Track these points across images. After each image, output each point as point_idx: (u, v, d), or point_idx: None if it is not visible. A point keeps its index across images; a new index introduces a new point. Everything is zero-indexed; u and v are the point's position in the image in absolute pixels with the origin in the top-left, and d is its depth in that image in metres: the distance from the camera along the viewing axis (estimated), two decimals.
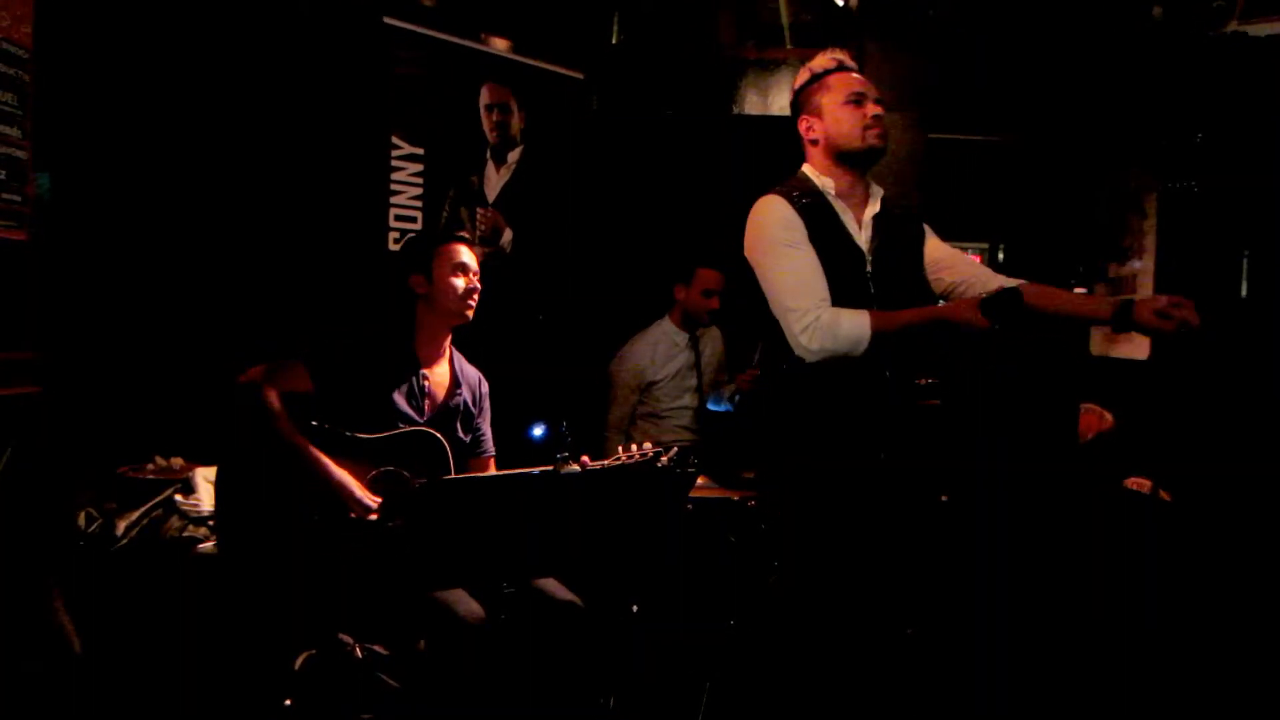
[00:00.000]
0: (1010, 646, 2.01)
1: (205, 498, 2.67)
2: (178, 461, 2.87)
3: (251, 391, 2.30)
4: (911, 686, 2.00)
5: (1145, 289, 3.20)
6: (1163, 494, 2.53)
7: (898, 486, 2.19)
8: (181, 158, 3.05)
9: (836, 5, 4.06)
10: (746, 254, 2.26)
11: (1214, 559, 2.38)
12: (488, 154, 3.77)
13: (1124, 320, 2.03)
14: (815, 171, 2.34)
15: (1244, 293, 2.86)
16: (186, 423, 2.88)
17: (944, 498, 2.26)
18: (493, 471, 2.61)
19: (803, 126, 2.36)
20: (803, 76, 2.37)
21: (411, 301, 2.49)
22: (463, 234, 2.60)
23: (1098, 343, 3.47)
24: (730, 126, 4.31)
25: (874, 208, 2.32)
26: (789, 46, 4.36)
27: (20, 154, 2.59)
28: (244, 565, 2.34)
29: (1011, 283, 2.18)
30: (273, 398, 2.30)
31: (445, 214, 3.64)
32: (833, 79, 2.32)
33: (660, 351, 3.63)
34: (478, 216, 3.76)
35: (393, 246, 3.45)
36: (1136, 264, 3.24)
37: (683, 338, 3.67)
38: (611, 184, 4.13)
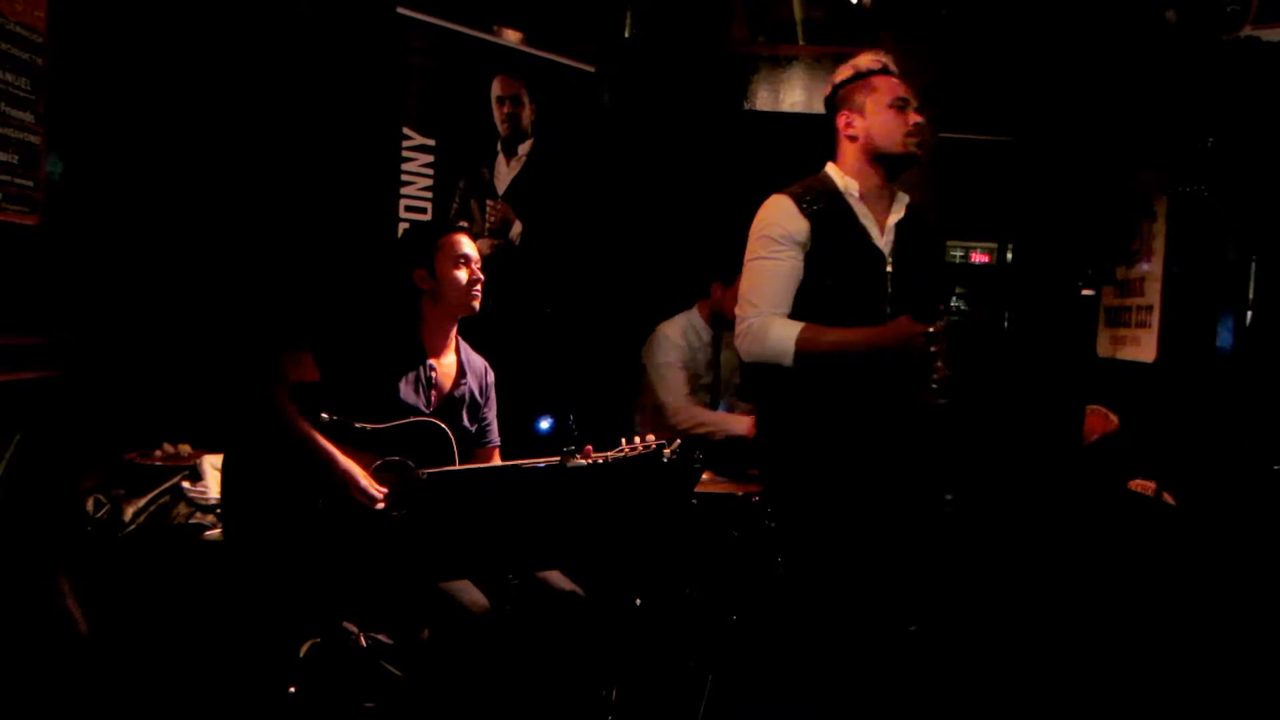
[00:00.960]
0: (1011, 645, 2.02)
1: (212, 485, 2.67)
2: (185, 448, 2.88)
3: (259, 381, 2.30)
4: (912, 682, 2.01)
5: (1153, 292, 3.20)
6: (1166, 496, 2.53)
7: (900, 486, 2.20)
8: (193, 145, 3.05)
9: (850, 2, 4.05)
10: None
11: (1217, 561, 2.38)
12: (498, 146, 3.77)
13: None
14: (841, 172, 2.34)
15: (1251, 297, 2.85)
16: (195, 409, 2.88)
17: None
18: (498, 462, 2.61)
19: (841, 122, 2.36)
20: (845, 72, 2.37)
21: (416, 295, 2.49)
22: (462, 224, 2.59)
23: (1104, 344, 3.47)
24: (741, 122, 4.31)
25: (898, 213, 2.34)
26: (801, 43, 4.35)
27: (33, 138, 2.59)
28: (249, 553, 2.34)
29: None
30: (280, 388, 2.31)
31: (455, 205, 3.64)
32: (878, 80, 2.33)
33: (689, 340, 3.63)
34: (487, 208, 3.76)
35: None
36: (1145, 267, 3.24)
37: (707, 334, 3.66)
38: (621, 178, 4.12)
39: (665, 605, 2.78)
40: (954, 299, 4.55)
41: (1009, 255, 4.36)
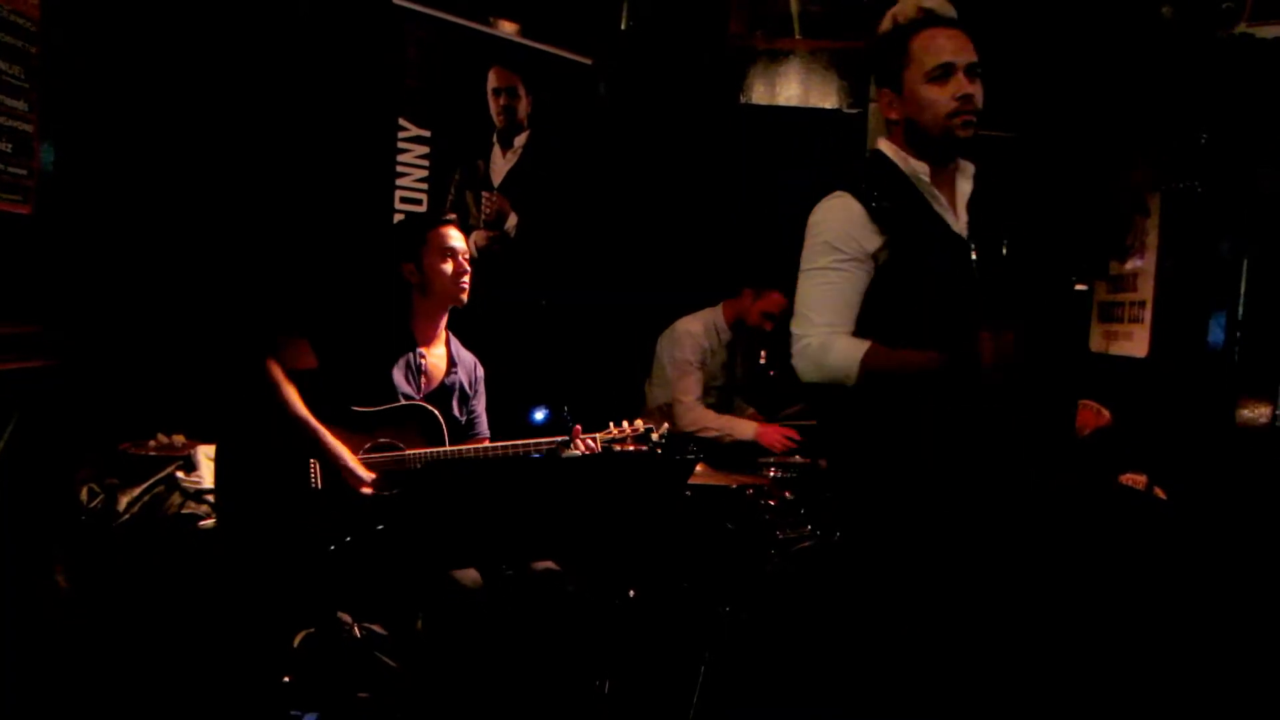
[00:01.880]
0: (1003, 642, 2.02)
1: (207, 475, 2.68)
2: (179, 439, 2.88)
3: (255, 363, 2.34)
4: (911, 682, 2.00)
5: (1146, 287, 3.21)
6: (1158, 490, 2.55)
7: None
8: (188, 135, 3.04)
9: None
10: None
11: (1209, 556, 2.40)
12: (494, 138, 3.77)
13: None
14: (900, 153, 1.97)
15: (1243, 293, 2.87)
16: (189, 400, 2.88)
17: None
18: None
19: (882, 102, 1.98)
20: (884, 24, 1.97)
21: (406, 287, 2.55)
22: (449, 217, 2.63)
23: (1096, 339, 3.48)
24: (737, 115, 4.30)
25: (966, 186, 2.01)
26: (798, 36, 4.35)
27: (26, 127, 2.58)
28: (243, 542, 2.36)
29: None
30: (276, 369, 2.34)
31: (450, 197, 3.64)
32: (917, 43, 1.89)
33: (709, 338, 3.61)
34: (483, 200, 3.76)
35: None
36: (1138, 262, 3.24)
37: (727, 335, 3.66)
38: (617, 171, 4.12)
39: (659, 597, 2.79)
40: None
41: (1004, 250, 4.36)
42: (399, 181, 3.47)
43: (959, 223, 1.98)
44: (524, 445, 2.48)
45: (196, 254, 3.05)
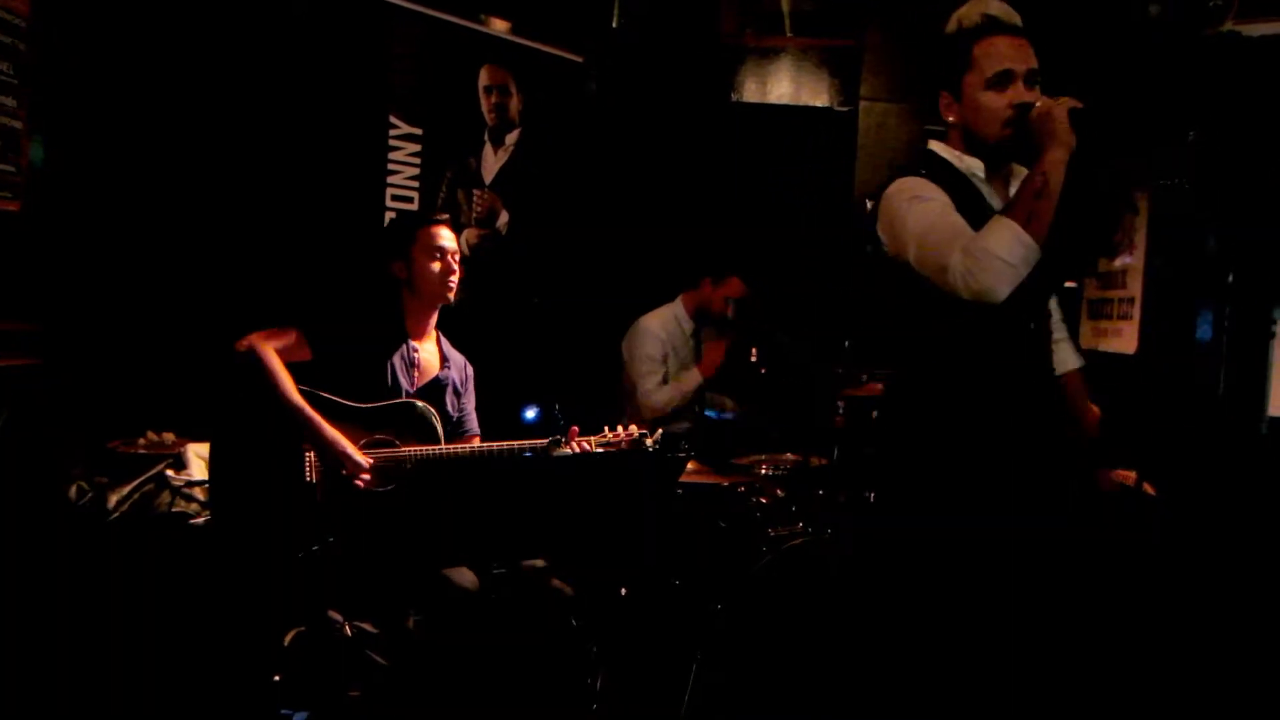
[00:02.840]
0: (998, 640, 2.02)
1: (197, 473, 2.68)
2: (169, 436, 2.87)
3: (251, 350, 2.33)
4: (910, 681, 2.00)
5: (1134, 284, 3.23)
6: (1147, 486, 2.55)
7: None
8: (178, 132, 3.03)
9: None
10: (886, 245, 1.93)
11: (1198, 552, 2.41)
12: (485, 136, 3.77)
13: None
14: (954, 153, 1.99)
15: (1230, 290, 2.88)
16: (179, 398, 2.88)
17: None
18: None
19: (941, 104, 1.99)
20: (950, 26, 1.97)
21: (396, 284, 2.57)
22: (439, 216, 2.64)
23: (1086, 336, 3.50)
24: (728, 113, 4.31)
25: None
26: (789, 34, 4.36)
27: (15, 123, 2.58)
28: (235, 540, 2.35)
29: None
30: (272, 355, 2.34)
31: (442, 195, 3.63)
32: (980, 49, 1.89)
33: (670, 332, 3.64)
34: (474, 198, 3.76)
35: None
36: (1127, 259, 3.26)
37: (690, 326, 3.69)
38: (609, 168, 4.13)
39: (650, 595, 2.80)
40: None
41: None
42: (390, 179, 3.47)
43: None
44: (517, 445, 2.49)
45: (187, 251, 3.04)
